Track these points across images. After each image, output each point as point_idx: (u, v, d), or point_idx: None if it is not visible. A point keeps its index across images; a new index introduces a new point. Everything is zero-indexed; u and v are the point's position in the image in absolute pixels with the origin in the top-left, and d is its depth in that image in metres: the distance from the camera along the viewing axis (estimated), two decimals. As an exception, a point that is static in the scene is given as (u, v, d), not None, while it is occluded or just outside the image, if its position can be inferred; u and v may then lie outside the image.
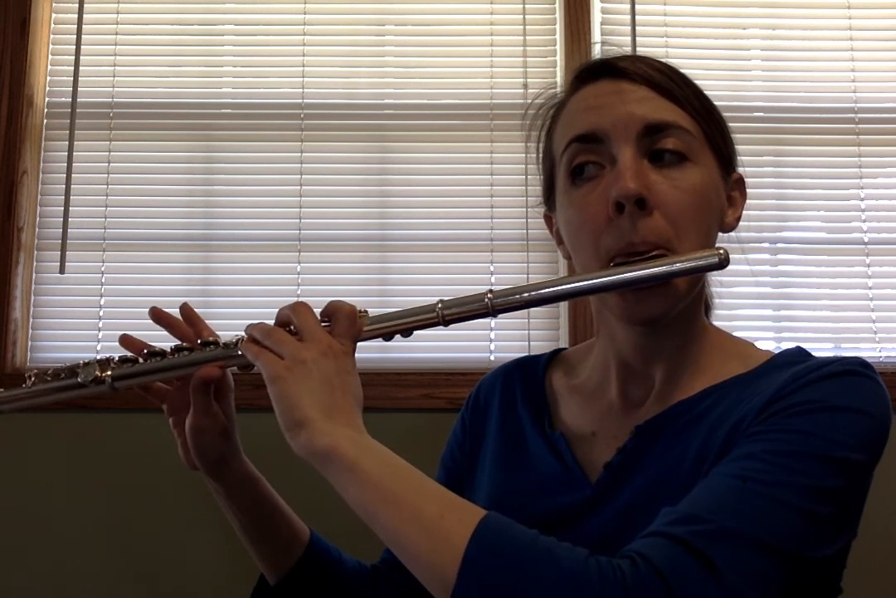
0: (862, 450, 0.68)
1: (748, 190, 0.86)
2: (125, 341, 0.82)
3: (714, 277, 0.91)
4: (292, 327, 0.75)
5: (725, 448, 0.70)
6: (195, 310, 0.85)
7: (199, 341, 0.79)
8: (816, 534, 0.64)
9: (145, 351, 0.79)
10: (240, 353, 0.76)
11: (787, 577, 0.61)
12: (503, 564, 0.58)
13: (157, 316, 0.84)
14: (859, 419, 0.69)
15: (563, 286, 0.74)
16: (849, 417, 0.69)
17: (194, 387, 0.79)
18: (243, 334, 0.78)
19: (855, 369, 0.72)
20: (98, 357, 0.79)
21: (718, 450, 0.71)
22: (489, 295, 0.74)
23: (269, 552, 0.87)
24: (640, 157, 0.76)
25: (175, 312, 0.86)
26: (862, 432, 0.69)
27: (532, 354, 0.98)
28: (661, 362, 0.81)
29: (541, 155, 0.87)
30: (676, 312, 0.77)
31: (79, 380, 0.78)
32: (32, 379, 0.80)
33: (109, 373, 0.78)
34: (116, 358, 0.79)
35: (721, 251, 0.71)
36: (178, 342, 0.81)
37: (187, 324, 0.84)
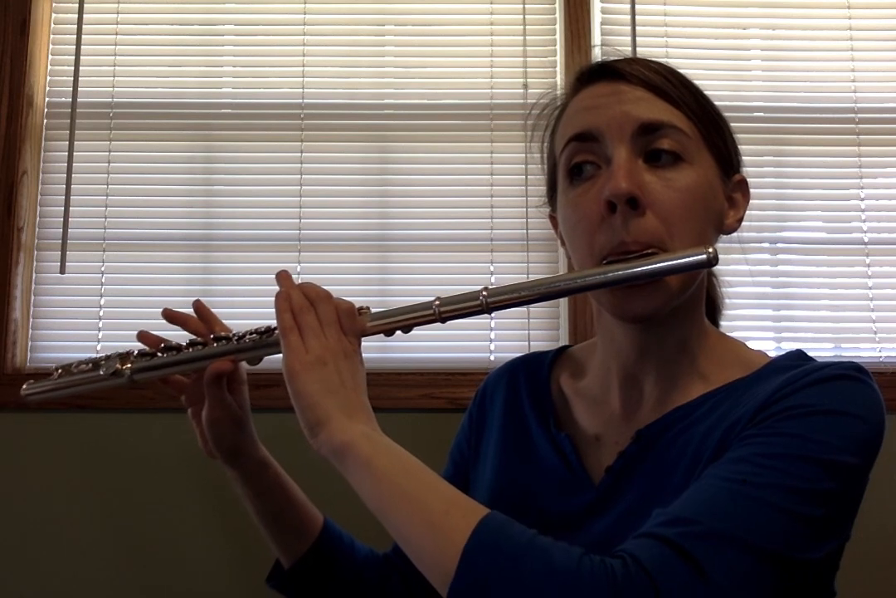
0: (854, 453, 0.69)
1: (748, 190, 0.87)
2: (142, 336, 0.87)
3: (721, 278, 0.91)
4: None
5: (719, 451, 0.72)
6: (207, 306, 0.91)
7: (212, 336, 0.84)
8: (806, 536, 0.65)
9: (162, 345, 0.85)
10: (248, 343, 0.82)
11: (776, 579, 0.63)
12: (499, 560, 0.61)
13: (170, 316, 0.90)
14: (852, 423, 0.70)
15: (556, 284, 0.76)
16: (842, 420, 0.70)
17: (207, 381, 0.83)
18: (251, 329, 0.83)
19: (849, 374, 0.74)
20: (119, 351, 0.85)
21: (712, 453, 0.73)
22: (484, 292, 0.77)
23: (284, 537, 0.92)
24: (634, 156, 0.78)
25: (185, 310, 0.91)
26: (855, 435, 0.70)
27: (538, 351, 1.00)
28: (660, 363, 0.82)
29: (544, 155, 0.89)
30: (670, 310, 0.79)
31: (101, 372, 0.83)
32: (59, 371, 0.86)
33: (129, 366, 0.84)
34: (136, 352, 0.85)
35: (710, 249, 0.72)
36: (193, 337, 0.87)
37: (200, 319, 0.89)
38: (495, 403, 0.95)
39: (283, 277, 0.82)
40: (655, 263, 0.73)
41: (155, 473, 1.58)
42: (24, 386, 0.88)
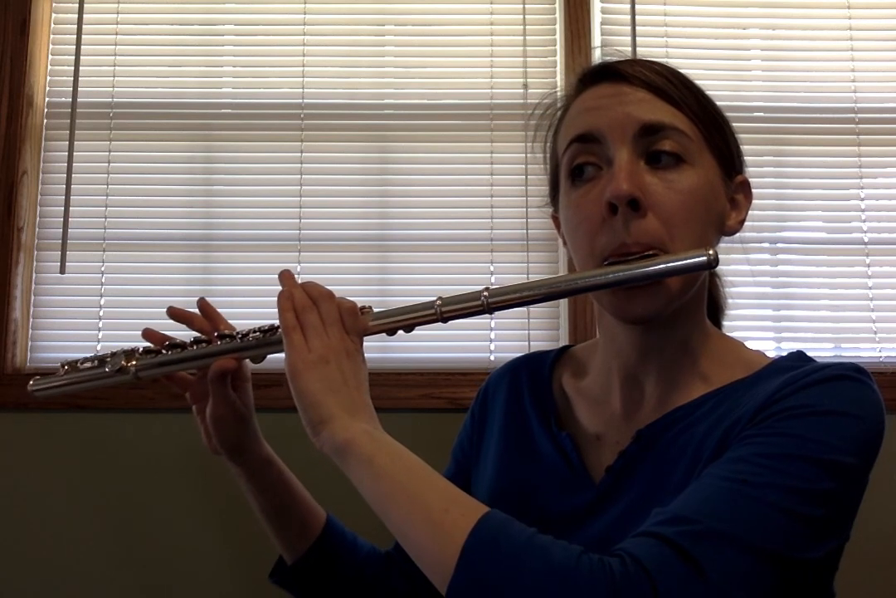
0: (853, 454, 0.69)
1: (748, 190, 0.87)
2: (147, 334, 0.89)
3: (724, 278, 0.92)
4: None
5: (719, 451, 0.73)
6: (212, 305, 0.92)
7: (216, 334, 0.85)
8: (805, 536, 0.65)
9: (167, 343, 0.86)
10: (251, 342, 0.83)
11: (774, 578, 0.63)
12: (499, 558, 0.61)
13: (175, 314, 0.91)
14: (851, 423, 0.71)
15: (557, 285, 0.77)
16: (840, 421, 0.71)
17: (211, 378, 0.84)
18: (255, 327, 0.84)
19: (848, 374, 0.74)
20: (124, 348, 0.86)
21: (712, 453, 0.73)
22: (485, 293, 0.78)
23: (287, 533, 0.93)
24: (636, 158, 0.78)
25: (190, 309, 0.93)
26: (853, 435, 0.70)
27: (540, 350, 1.01)
28: (661, 363, 0.83)
29: (547, 155, 0.89)
30: (671, 311, 0.79)
31: (106, 369, 0.85)
32: (65, 367, 0.88)
33: (134, 363, 0.85)
34: (141, 349, 0.86)
35: (711, 252, 0.72)
36: (198, 335, 0.88)
37: (205, 318, 0.91)
38: (497, 402, 0.96)
39: (285, 276, 0.83)
40: (656, 264, 0.74)
41: (155, 473, 1.59)
42: (31, 382, 0.90)
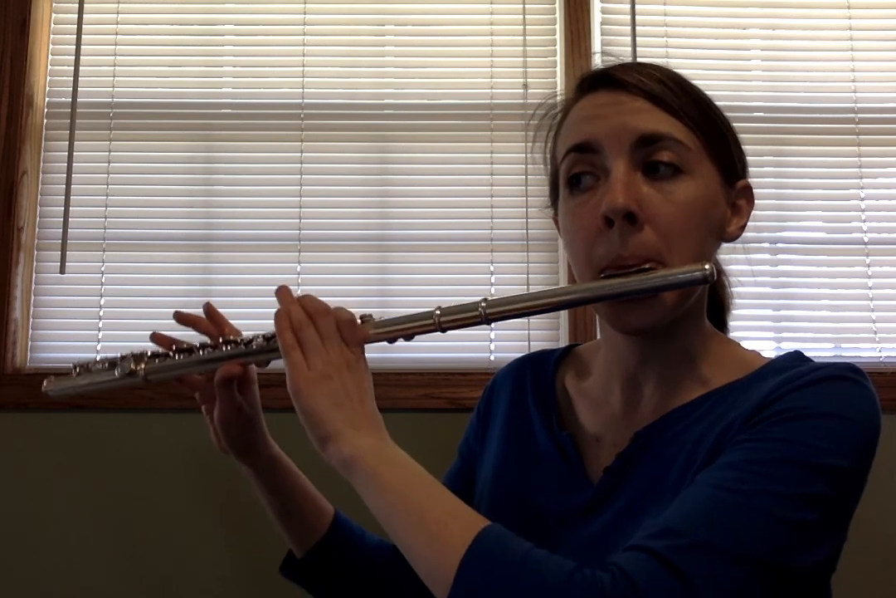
0: (846, 456, 0.69)
1: (749, 191, 0.87)
2: (156, 338, 0.91)
3: (731, 277, 0.92)
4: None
5: (713, 454, 0.73)
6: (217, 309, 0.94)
7: (221, 339, 0.87)
8: (797, 542, 0.66)
9: (174, 347, 0.88)
10: (255, 348, 0.85)
11: (766, 588, 0.64)
12: (495, 573, 0.63)
13: (182, 318, 0.93)
14: (843, 425, 0.71)
15: (552, 297, 0.78)
16: (832, 423, 0.70)
17: (218, 383, 0.87)
18: (260, 334, 0.85)
19: (843, 375, 0.74)
20: (134, 352, 0.89)
21: (706, 456, 0.74)
22: (482, 304, 0.78)
23: (295, 529, 0.96)
24: (632, 169, 0.78)
25: (186, 310, 0.94)
26: (846, 438, 0.70)
27: (547, 349, 1.02)
28: (661, 369, 0.84)
29: (548, 156, 0.89)
30: (667, 322, 0.79)
31: (116, 373, 0.88)
32: (77, 370, 0.91)
33: (143, 366, 0.88)
34: (149, 353, 0.89)
35: (706, 267, 0.72)
36: (204, 338, 0.90)
37: (210, 321, 0.93)
38: (501, 399, 0.97)
39: (282, 292, 0.83)
40: (652, 279, 0.74)
41: (155, 473, 1.59)
42: (45, 382, 0.93)
